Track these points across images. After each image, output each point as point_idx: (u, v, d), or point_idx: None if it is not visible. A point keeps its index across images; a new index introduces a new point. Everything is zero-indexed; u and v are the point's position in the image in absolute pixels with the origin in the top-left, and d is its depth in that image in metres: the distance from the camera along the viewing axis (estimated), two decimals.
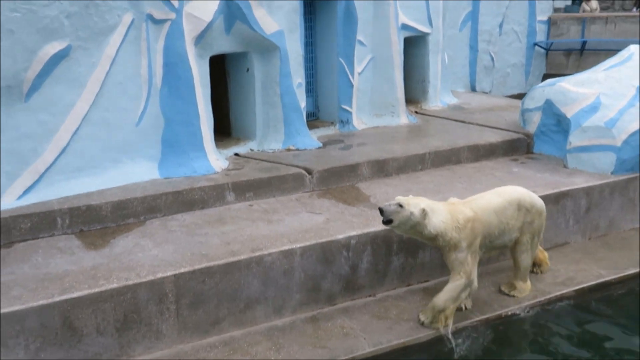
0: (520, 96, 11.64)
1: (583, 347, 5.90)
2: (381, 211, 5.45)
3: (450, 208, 5.70)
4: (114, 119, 6.79)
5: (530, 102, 9.23)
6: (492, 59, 14.63)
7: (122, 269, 5.35)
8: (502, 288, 6.46)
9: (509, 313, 6.21)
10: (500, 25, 14.76)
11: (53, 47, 6.19)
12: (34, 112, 6.22)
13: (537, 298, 6.44)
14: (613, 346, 5.92)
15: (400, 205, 5.41)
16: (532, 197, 6.18)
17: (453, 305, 5.74)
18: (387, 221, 5.43)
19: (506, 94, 14.54)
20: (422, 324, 5.78)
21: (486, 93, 14.11)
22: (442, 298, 5.71)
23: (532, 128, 9.14)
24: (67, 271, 5.31)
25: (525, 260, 6.26)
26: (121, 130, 6.86)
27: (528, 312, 6.30)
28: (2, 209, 5.96)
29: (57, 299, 4.91)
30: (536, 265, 6.77)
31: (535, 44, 16.07)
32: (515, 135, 9.13)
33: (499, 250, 6.39)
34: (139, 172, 6.93)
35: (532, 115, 9.16)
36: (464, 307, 6.07)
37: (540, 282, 6.71)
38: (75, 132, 6.50)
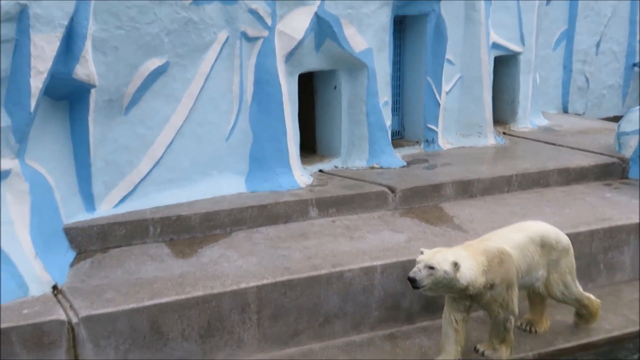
0: (616, 119, 11.23)
1: None
2: (413, 281, 4.91)
3: (470, 252, 5.22)
4: (205, 134, 7.05)
5: (627, 125, 8.92)
6: (587, 80, 14.16)
7: (208, 278, 5.56)
8: (574, 320, 6.15)
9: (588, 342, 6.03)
10: (598, 45, 14.26)
11: (153, 63, 6.48)
12: (132, 125, 6.53)
13: (628, 328, 6.20)
14: None
15: (432, 267, 4.89)
16: (557, 233, 5.79)
17: (508, 336, 5.46)
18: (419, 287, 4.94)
19: (601, 116, 14.00)
20: (483, 354, 5.51)
21: (579, 115, 13.64)
22: (492, 337, 5.49)
23: (628, 152, 8.80)
24: (157, 277, 5.57)
25: (567, 295, 5.82)
26: (211, 145, 7.11)
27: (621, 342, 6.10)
28: (99, 215, 6.33)
29: (147, 303, 5.15)
30: (534, 322, 6.04)
31: (635, 65, 15.45)
32: (609, 160, 8.83)
33: (528, 291, 5.80)
34: (226, 185, 7.16)
35: (628, 139, 8.83)
36: (533, 331, 5.95)
37: (634, 311, 6.44)
38: (169, 146, 6.79)
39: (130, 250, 6.16)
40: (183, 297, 5.28)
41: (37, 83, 5.38)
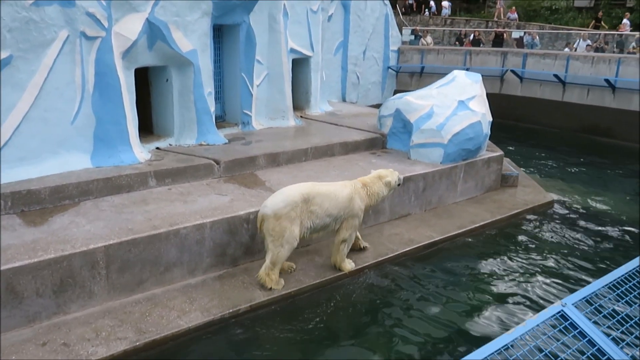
0: (378, 106, 11.91)
1: (414, 281, 6.17)
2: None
3: None
4: (52, 118, 6.23)
5: (385, 110, 9.42)
6: (358, 78, 14.89)
7: (59, 242, 4.94)
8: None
9: (370, 265, 6.38)
10: (364, 53, 15.02)
11: None
12: None
13: (388, 255, 6.64)
14: (438, 277, 6.24)
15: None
16: None
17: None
18: None
19: (368, 104, 14.83)
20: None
21: (353, 103, 14.32)
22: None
23: (386, 130, 9.33)
24: (10, 245, 4.82)
25: None
26: (58, 127, 6.29)
27: (384, 264, 6.51)
28: None
29: (1, 268, 4.45)
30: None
31: (389, 67, 16.54)
32: (374, 135, 9.30)
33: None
34: (74, 162, 6.40)
35: (386, 120, 9.36)
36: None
37: (392, 242, 6.92)
38: (17, 128, 5.91)
39: None
40: (36, 260, 4.65)
41: None
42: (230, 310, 5.20)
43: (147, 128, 8.01)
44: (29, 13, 5.80)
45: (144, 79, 7.95)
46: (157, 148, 7.66)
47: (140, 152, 7.02)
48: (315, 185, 5.72)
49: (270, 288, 5.52)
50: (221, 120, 9.17)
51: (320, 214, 5.59)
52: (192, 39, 7.66)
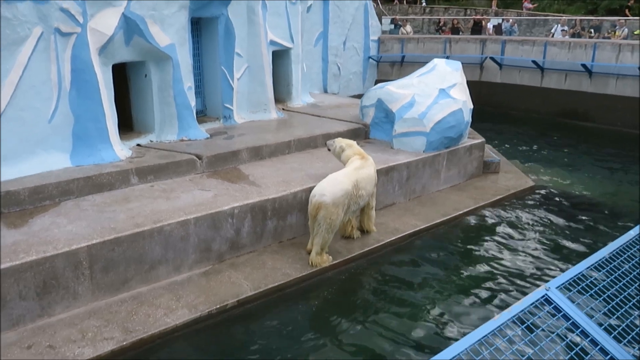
0: (359, 96, 11.87)
1: (401, 270, 6.21)
2: None
3: None
4: (29, 117, 6.08)
5: (367, 101, 9.38)
6: (339, 68, 14.85)
7: (40, 244, 4.86)
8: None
9: (356, 256, 6.40)
10: (344, 43, 14.97)
11: None
12: None
13: (374, 245, 6.68)
14: (421, 266, 6.29)
15: None
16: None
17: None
18: None
19: (349, 94, 14.79)
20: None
21: (335, 94, 14.27)
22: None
23: (368, 120, 9.31)
24: None
25: None
26: (35, 126, 6.15)
27: (371, 254, 6.54)
28: None
29: None
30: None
31: (370, 57, 16.51)
32: (356, 126, 9.25)
33: None
34: (52, 162, 6.27)
35: (368, 111, 9.33)
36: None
37: (377, 232, 6.94)
38: None
39: None
40: (17, 262, 4.57)
41: None
42: (218, 306, 5.18)
43: (127, 125, 7.89)
44: (1, 10, 5.64)
45: (122, 75, 7.82)
46: (138, 145, 7.54)
47: (121, 150, 6.91)
48: (357, 171, 6.26)
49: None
50: (202, 115, 9.06)
51: (364, 195, 6.27)
52: (169, 33, 7.54)
